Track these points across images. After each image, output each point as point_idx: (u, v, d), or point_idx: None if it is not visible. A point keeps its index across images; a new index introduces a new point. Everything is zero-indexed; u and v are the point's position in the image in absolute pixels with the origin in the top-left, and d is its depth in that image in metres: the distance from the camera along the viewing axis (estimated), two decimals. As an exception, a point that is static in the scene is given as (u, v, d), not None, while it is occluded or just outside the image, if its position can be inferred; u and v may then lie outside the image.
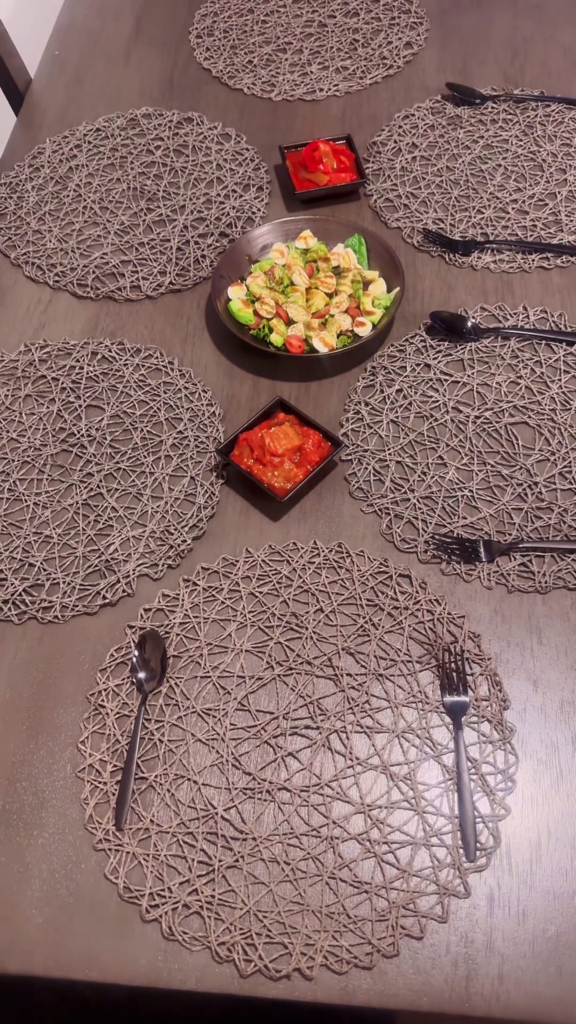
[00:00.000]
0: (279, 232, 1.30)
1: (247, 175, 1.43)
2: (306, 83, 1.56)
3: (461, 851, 0.87)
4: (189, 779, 0.92)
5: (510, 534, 1.05)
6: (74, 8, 1.76)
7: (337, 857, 0.87)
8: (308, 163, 1.38)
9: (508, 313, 1.24)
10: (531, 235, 1.33)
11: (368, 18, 1.64)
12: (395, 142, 1.45)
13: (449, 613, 1.01)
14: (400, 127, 1.47)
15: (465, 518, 1.07)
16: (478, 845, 0.87)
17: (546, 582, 1.02)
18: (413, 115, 1.48)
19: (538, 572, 1.03)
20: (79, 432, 1.16)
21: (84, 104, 1.57)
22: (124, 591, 1.03)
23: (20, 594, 1.03)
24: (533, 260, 1.31)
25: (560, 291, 1.28)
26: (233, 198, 1.40)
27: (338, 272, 1.26)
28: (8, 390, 1.21)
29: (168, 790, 0.91)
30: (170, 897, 0.86)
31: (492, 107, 1.49)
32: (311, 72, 1.57)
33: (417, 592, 1.02)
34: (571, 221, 1.34)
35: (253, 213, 1.38)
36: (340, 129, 1.49)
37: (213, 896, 0.86)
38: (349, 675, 0.97)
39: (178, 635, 1.00)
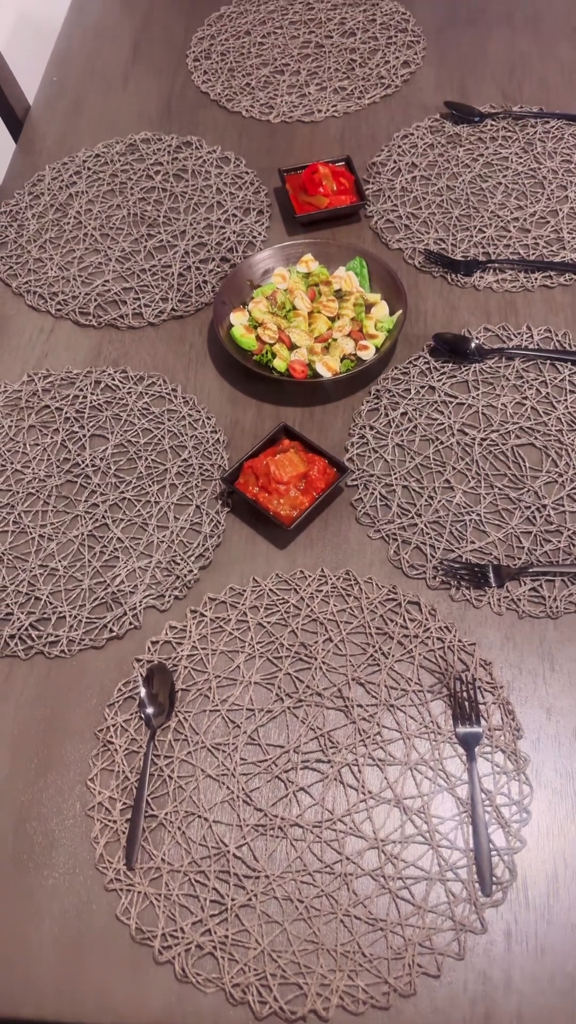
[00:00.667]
0: (280, 256, 1.30)
1: (247, 199, 1.43)
2: (304, 104, 1.56)
3: (477, 885, 0.86)
4: (200, 816, 0.91)
5: (519, 558, 1.04)
6: (72, 33, 1.76)
7: (351, 894, 0.86)
8: (308, 186, 1.38)
9: (512, 333, 1.24)
10: (533, 254, 1.32)
11: (365, 37, 1.64)
12: (394, 162, 1.45)
13: (460, 640, 0.99)
14: (399, 147, 1.47)
15: (473, 542, 1.06)
16: (494, 879, 0.86)
17: (557, 607, 1.01)
18: (412, 134, 1.48)
19: (549, 597, 1.01)
20: (83, 462, 1.15)
21: (83, 130, 1.57)
22: (131, 624, 1.03)
23: (26, 628, 1.03)
24: (536, 279, 1.30)
25: (564, 309, 1.27)
26: (233, 222, 1.40)
27: (340, 296, 1.25)
28: (12, 421, 1.20)
29: (179, 828, 0.90)
30: (183, 938, 0.85)
31: (491, 124, 1.48)
32: (309, 93, 1.57)
33: (427, 619, 1.01)
34: (573, 238, 1.33)
35: (254, 237, 1.38)
36: (339, 150, 1.48)
37: (226, 936, 0.85)
38: (360, 706, 0.96)
39: (186, 667, 0.99)
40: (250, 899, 0.86)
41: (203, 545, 1.08)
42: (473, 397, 1.18)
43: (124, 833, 0.90)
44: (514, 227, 1.35)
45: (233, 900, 0.86)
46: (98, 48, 1.72)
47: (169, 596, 1.04)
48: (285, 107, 1.56)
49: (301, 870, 0.87)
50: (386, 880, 0.86)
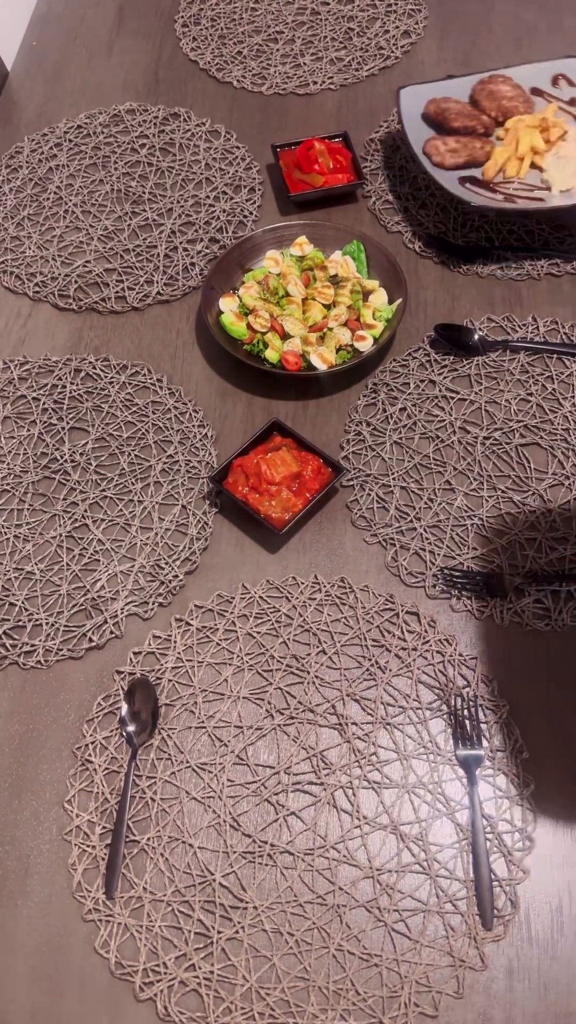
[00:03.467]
0: (272, 238, 1.23)
1: (238, 175, 1.35)
2: (299, 75, 1.47)
3: (477, 918, 0.81)
4: (184, 842, 0.85)
5: (523, 567, 0.99)
6: (53, -5, 1.66)
7: (344, 927, 0.81)
8: (302, 163, 1.31)
9: (516, 324, 1.17)
10: (539, 239, 1.25)
11: (363, 5, 1.56)
12: (394, 138, 1.37)
13: (460, 654, 0.94)
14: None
15: (475, 548, 1.00)
16: (495, 911, 0.81)
17: (563, 620, 0.96)
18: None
19: (554, 609, 0.96)
20: (62, 457, 1.09)
21: (64, 99, 1.48)
22: (112, 632, 0.97)
23: (0, 637, 0.96)
24: (542, 266, 1.23)
25: (572, 300, 1.20)
26: (223, 200, 1.32)
27: (336, 282, 1.18)
28: (-14, 411, 1.13)
29: (161, 854, 0.85)
30: (165, 973, 0.80)
31: (496, 101, 1.40)
32: (304, 64, 1.49)
33: (426, 631, 0.96)
34: (581, 223, 1.27)
35: (245, 217, 1.30)
36: (335, 125, 1.41)
37: (212, 972, 0.80)
38: (355, 724, 0.91)
39: (170, 681, 0.93)
40: (237, 931, 0.81)
41: (189, 548, 1.02)
42: (475, 392, 1.12)
43: (103, 859, 0.84)
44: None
45: (219, 933, 0.81)
46: (81, 11, 1.62)
47: (153, 603, 0.98)
48: (279, 78, 1.47)
49: (291, 901, 0.82)
50: (381, 912, 0.82)
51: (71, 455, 1.09)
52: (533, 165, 1.26)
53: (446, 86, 1.33)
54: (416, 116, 1.30)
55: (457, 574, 0.98)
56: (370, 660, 0.94)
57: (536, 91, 1.34)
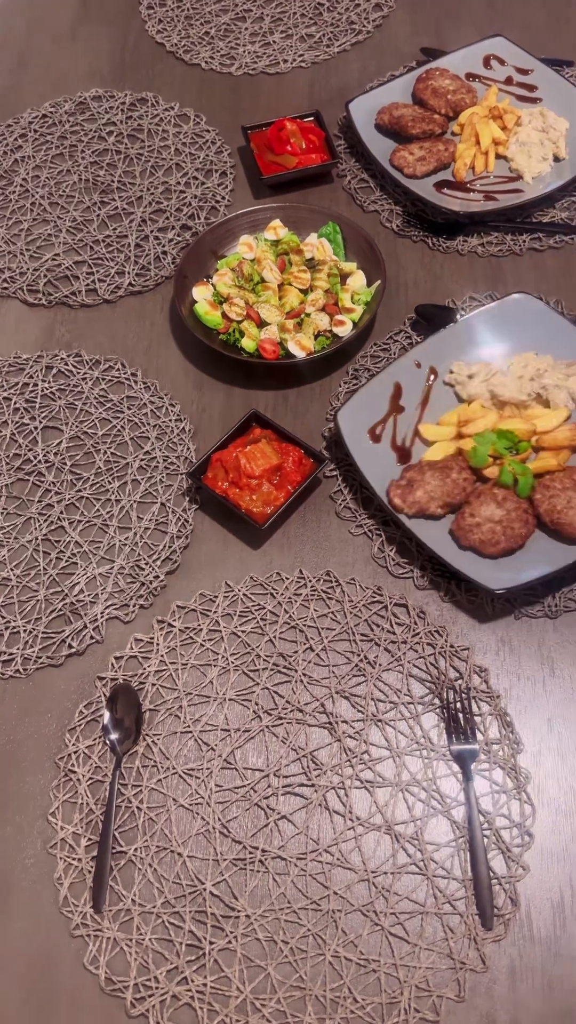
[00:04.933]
0: (246, 223, 1.19)
1: (209, 159, 1.31)
2: (269, 54, 1.43)
3: (476, 918, 0.78)
4: (172, 851, 0.83)
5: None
6: (13, -19, 1.62)
7: (340, 932, 0.79)
8: (274, 144, 1.27)
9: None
10: (521, 214, 1.22)
11: (333, -21, 1.51)
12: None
13: (451, 646, 0.91)
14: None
15: (464, 536, 0.97)
16: (495, 910, 0.79)
17: (556, 605, 0.93)
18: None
19: (547, 594, 0.93)
20: (36, 458, 1.05)
21: (28, 88, 1.44)
22: (92, 638, 0.94)
23: (-23, 646, 0.94)
24: (524, 241, 1.20)
25: (555, 275, 1.17)
26: (195, 186, 1.28)
27: (312, 265, 1.15)
28: (-44, 413, 1.10)
29: (150, 864, 0.82)
30: (157, 988, 0.77)
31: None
32: (274, 42, 1.45)
33: (415, 623, 0.93)
34: (563, 196, 1.23)
35: (217, 202, 1.26)
36: (308, 103, 1.37)
37: (205, 984, 0.77)
38: (345, 722, 0.88)
39: (153, 685, 0.91)
40: (230, 942, 0.79)
41: (170, 547, 0.99)
42: (459, 374, 1.08)
43: (90, 872, 0.82)
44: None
45: (211, 944, 0.79)
46: (43, -4, 1.58)
47: (133, 605, 0.95)
48: (248, 57, 1.43)
49: (284, 907, 0.80)
50: (377, 916, 0.79)
51: (45, 455, 1.05)
52: (497, 155, 1.24)
53: (389, 88, 1.31)
54: (369, 127, 1.28)
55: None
56: (359, 655, 0.91)
57: (471, 76, 1.33)
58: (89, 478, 1.04)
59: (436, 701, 0.88)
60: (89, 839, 0.83)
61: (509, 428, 0.97)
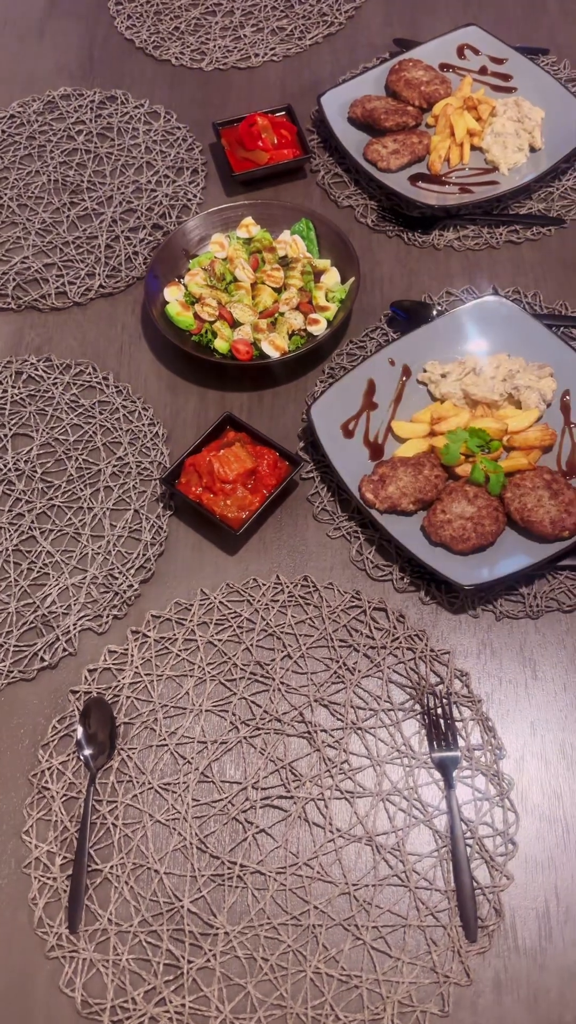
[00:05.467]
0: (218, 221, 1.17)
1: (179, 157, 1.29)
2: (239, 48, 1.41)
3: (460, 930, 0.77)
4: (149, 868, 0.81)
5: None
6: (-20, -21, 1.58)
7: (321, 948, 0.77)
8: (245, 140, 1.24)
9: (477, 296, 1.12)
10: (497, 206, 1.20)
11: (304, -30, 1.49)
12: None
13: (432, 650, 0.89)
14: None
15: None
16: (479, 922, 0.77)
17: (537, 605, 0.91)
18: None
19: (528, 594, 0.92)
20: (5, 466, 1.03)
21: (-5, 87, 1.41)
22: (65, 650, 0.92)
23: (-52, 661, 0.91)
24: (501, 234, 1.18)
25: (532, 267, 1.15)
26: (165, 184, 1.26)
27: (285, 263, 1.13)
28: None
29: (126, 882, 0.80)
30: (135, 1010, 0.75)
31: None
32: (245, 35, 1.42)
33: (395, 627, 0.91)
34: (539, 187, 1.21)
35: (188, 200, 1.24)
36: (280, 98, 1.34)
37: (183, 1005, 0.75)
38: (324, 731, 0.86)
39: (128, 698, 0.89)
40: (208, 960, 0.77)
41: (144, 555, 0.97)
42: (437, 372, 1.06)
43: (65, 891, 0.80)
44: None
45: (190, 962, 0.77)
46: (10, -6, 1.55)
47: (107, 616, 0.93)
48: (219, 52, 1.40)
49: (264, 923, 0.78)
50: (359, 930, 0.77)
51: (15, 463, 1.03)
52: (473, 147, 1.22)
53: (362, 81, 1.29)
54: (342, 121, 1.26)
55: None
56: (338, 662, 0.89)
57: (445, 66, 1.31)
58: (61, 486, 1.01)
59: (417, 707, 0.87)
60: (64, 857, 0.81)
61: (481, 427, 0.95)
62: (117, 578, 0.95)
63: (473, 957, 0.76)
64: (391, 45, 1.38)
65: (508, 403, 1.00)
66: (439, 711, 0.85)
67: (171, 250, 1.14)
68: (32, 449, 1.04)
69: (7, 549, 0.98)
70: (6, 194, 1.27)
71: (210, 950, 0.77)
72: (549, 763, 0.84)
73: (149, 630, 0.92)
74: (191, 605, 0.93)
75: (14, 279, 1.18)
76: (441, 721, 0.85)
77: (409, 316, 1.09)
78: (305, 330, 1.08)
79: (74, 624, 0.93)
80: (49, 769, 0.85)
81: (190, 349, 1.06)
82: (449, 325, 1.05)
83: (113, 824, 0.83)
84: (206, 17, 1.45)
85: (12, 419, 1.07)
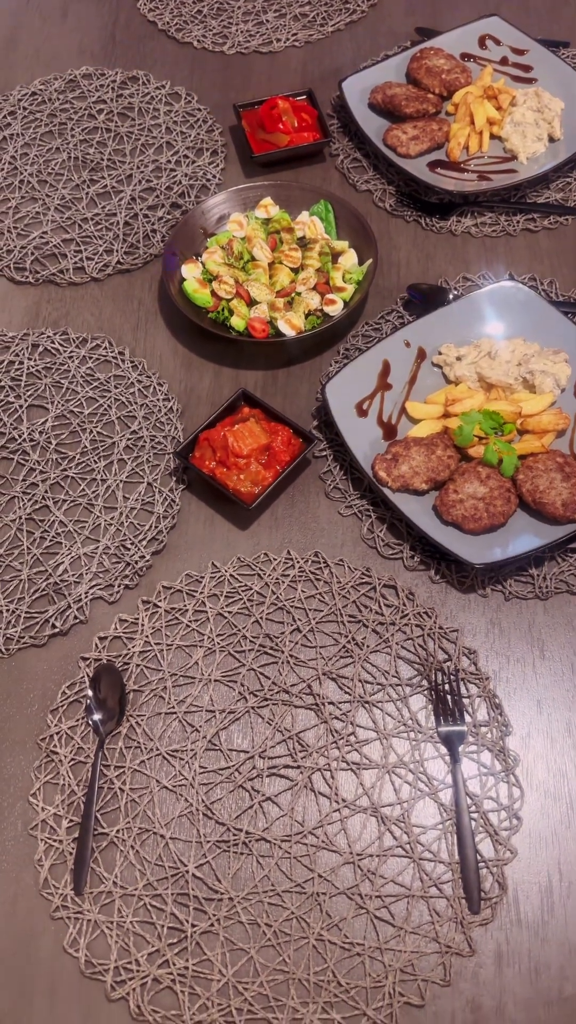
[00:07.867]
0: (237, 201, 1.17)
1: (200, 138, 1.29)
2: (262, 33, 1.41)
3: (463, 902, 0.77)
4: (155, 833, 0.81)
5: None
6: (4, -41, 1.59)
7: (324, 916, 0.77)
8: (266, 122, 1.25)
9: (493, 282, 1.12)
10: (515, 194, 1.20)
11: (327, -42, 1.49)
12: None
13: (440, 627, 0.90)
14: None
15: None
16: (482, 894, 0.77)
17: (547, 587, 0.92)
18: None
19: (538, 575, 0.92)
20: (20, 437, 1.04)
21: (18, 66, 1.41)
22: (76, 618, 0.92)
23: (-41, 626, 0.92)
24: (518, 222, 1.18)
25: (549, 255, 1.16)
26: (185, 164, 1.26)
27: (304, 244, 1.13)
28: None
29: (132, 846, 0.81)
30: (138, 971, 0.76)
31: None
32: (267, 20, 1.43)
33: (404, 604, 0.91)
34: (557, 177, 1.22)
35: (208, 180, 1.24)
36: (300, 83, 1.35)
37: (186, 968, 0.76)
38: (332, 703, 0.86)
39: (138, 666, 0.89)
40: (212, 925, 0.77)
41: (156, 527, 0.97)
42: (451, 355, 1.07)
43: (71, 854, 0.80)
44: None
45: (193, 927, 0.77)
46: (34, -26, 1.55)
47: (118, 585, 0.94)
48: (241, 36, 1.41)
49: (268, 890, 0.78)
50: (363, 899, 0.78)
51: (30, 434, 1.04)
52: (492, 135, 1.22)
53: (383, 68, 1.29)
54: (362, 106, 1.26)
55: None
56: (347, 636, 0.90)
57: (466, 56, 1.31)
58: (75, 457, 1.02)
59: (424, 683, 0.87)
60: (71, 820, 0.82)
61: (495, 409, 0.95)
62: (129, 549, 0.96)
63: (475, 929, 0.76)
64: (412, 34, 1.39)
65: (523, 387, 1.00)
66: (447, 687, 0.86)
67: (190, 228, 1.14)
68: (47, 420, 1.05)
69: (20, 518, 0.98)
70: (27, 170, 1.27)
71: (214, 915, 0.78)
72: (555, 741, 0.84)
73: (160, 600, 0.93)
74: (202, 577, 0.94)
75: (32, 253, 1.19)
76: (448, 697, 0.85)
77: (425, 299, 1.10)
78: (321, 310, 1.08)
79: (86, 593, 0.93)
80: (58, 733, 0.86)
81: (207, 325, 1.07)
82: (465, 309, 1.05)
83: (120, 789, 0.83)
84: (229, 1, 1.46)
85: (28, 391, 1.07)
